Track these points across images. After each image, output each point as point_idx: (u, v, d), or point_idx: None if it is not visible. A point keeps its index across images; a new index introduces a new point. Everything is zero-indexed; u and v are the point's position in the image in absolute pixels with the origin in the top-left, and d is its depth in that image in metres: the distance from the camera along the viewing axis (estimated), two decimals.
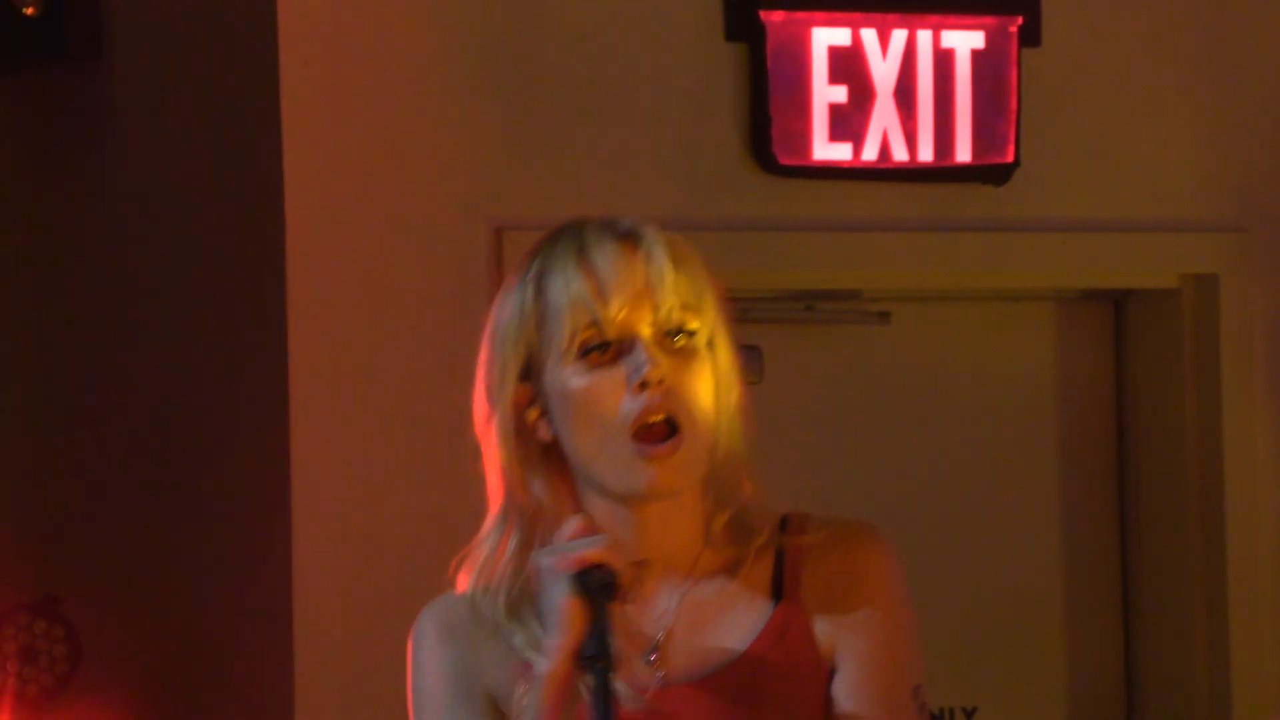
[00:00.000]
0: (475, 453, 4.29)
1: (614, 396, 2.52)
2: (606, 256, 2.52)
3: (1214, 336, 4.84)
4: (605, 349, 2.50)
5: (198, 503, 4.41)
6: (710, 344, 2.55)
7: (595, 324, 2.51)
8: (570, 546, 2.45)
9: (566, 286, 2.51)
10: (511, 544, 2.59)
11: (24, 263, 4.76)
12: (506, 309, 2.58)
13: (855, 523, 2.62)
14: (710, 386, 2.56)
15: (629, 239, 2.52)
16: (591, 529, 2.47)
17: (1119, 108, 4.77)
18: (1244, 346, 4.85)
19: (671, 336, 2.51)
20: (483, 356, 2.61)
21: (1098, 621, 5.00)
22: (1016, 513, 4.91)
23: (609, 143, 4.42)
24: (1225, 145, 4.86)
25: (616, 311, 2.50)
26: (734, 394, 2.59)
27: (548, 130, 4.43)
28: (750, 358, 2.85)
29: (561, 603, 2.42)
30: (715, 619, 2.60)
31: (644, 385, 2.48)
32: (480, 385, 2.61)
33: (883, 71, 4.48)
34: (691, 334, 2.51)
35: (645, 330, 2.50)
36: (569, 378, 2.51)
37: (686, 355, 2.52)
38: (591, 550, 2.43)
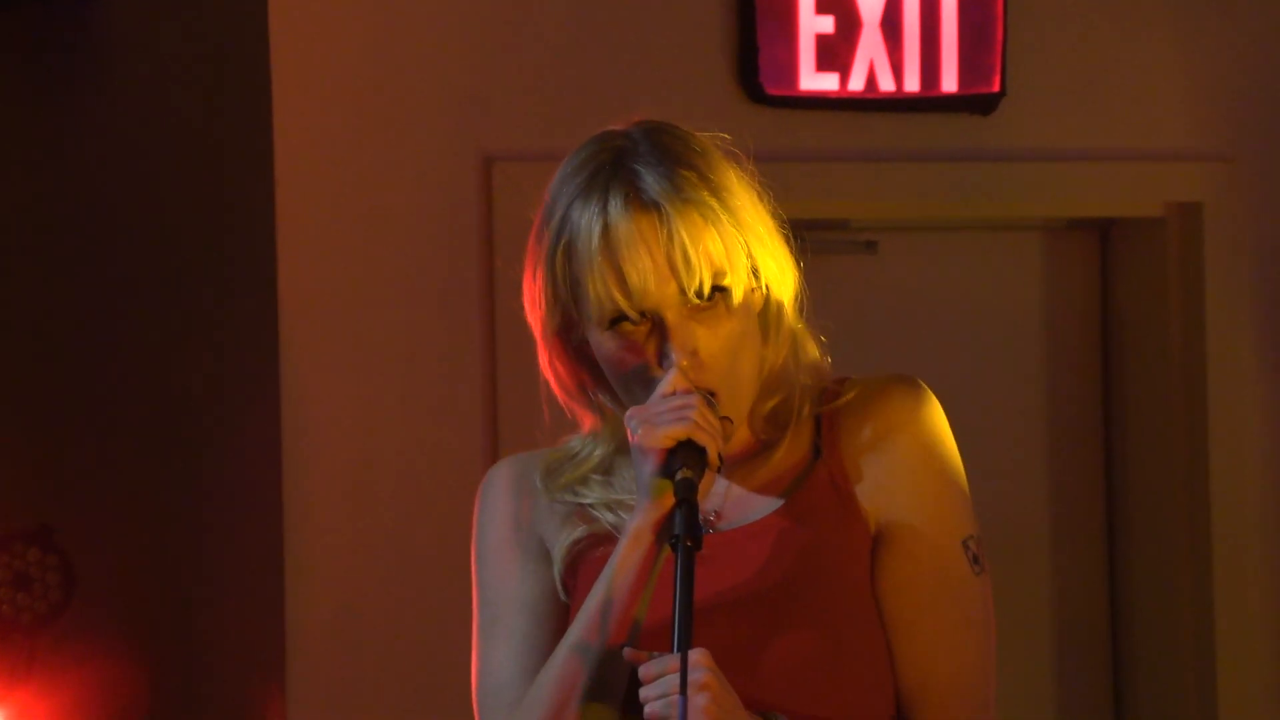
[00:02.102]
0: (466, 382, 4.38)
1: (648, 368, 2.51)
2: (629, 239, 2.48)
3: (1199, 265, 4.81)
4: (635, 321, 2.49)
5: (193, 435, 4.34)
6: (751, 272, 2.52)
7: (620, 308, 2.49)
8: (660, 416, 2.43)
9: (590, 269, 2.48)
10: (601, 440, 2.61)
11: (13, 200, 4.71)
12: (545, 250, 2.56)
13: (888, 376, 2.58)
14: (744, 330, 2.53)
15: (651, 212, 2.47)
16: (687, 385, 2.45)
17: (1105, 37, 4.72)
18: (1229, 275, 4.82)
19: (703, 299, 2.48)
20: (527, 273, 2.59)
21: (1082, 543, 5.01)
22: (1003, 438, 4.89)
23: (596, 74, 4.38)
24: (1211, 74, 4.82)
25: (641, 298, 2.47)
26: (785, 299, 2.57)
27: (536, 62, 4.39)
28: None
29: (650, 478, 2.41)
30: (761, 481, 2.58)
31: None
32: (529, 306, 2.61)
33: (869, 2, 4.45)
34: (725, 289, 2.48)
35: (671, 312, 2.48)
36: (603, 341, 2.51)
37: (719, 313, 2.49)
38: (681, 427, 2.40)
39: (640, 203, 2.47)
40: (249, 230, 4.30)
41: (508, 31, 4.41)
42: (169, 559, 4.46)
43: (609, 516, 2.59)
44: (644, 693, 2.40)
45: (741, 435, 2.56)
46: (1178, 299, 4.86)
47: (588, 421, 2.65)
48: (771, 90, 4.40)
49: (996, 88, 4.51)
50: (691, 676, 2.37)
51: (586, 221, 2.50)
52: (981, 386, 4.89)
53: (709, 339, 2.50)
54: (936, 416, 2.59)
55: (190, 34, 4.43)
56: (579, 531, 2.60)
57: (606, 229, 2.48)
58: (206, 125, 4.38)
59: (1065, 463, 4.97)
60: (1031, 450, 4.95)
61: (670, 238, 2.48)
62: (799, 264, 2.60)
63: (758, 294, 2.56)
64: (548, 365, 2.63)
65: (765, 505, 2.58)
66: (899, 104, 4.49)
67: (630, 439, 2.49)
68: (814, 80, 4.43)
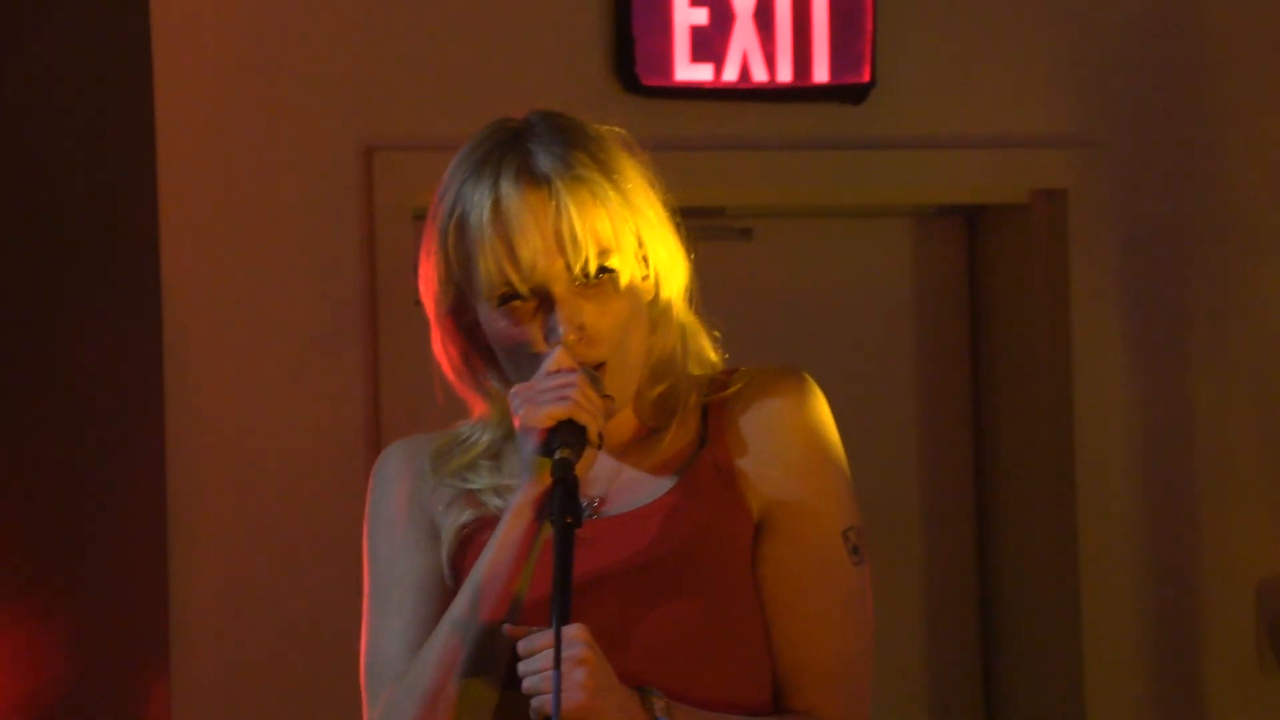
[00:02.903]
0: (348, 365, 4.37)
1: (535, 344, 2.51)
2: (518, 213, 2.49)
3: (1064, 251, 4.81)
4: (524, 297, 2.49)
5: (75, 423, 4.30)
6: (641, 258, 2.54)
7: (509, 283, 2.49)
8: (542, 394, 2.44)
9: (480, 243, 2.49)
10: (489, 425, 2.62)
11: None
12: (438, 231, 2.57)
13: (775, 368, 2.60)
14: (634, 310, 2.55)
15: (542, 186, 2.48)
16: (570, 364, 2.47)
17: (972, 28, 4.72)
18: (1094, 260, 4.82)
19: (591, 277, 2.49)
20: (421, 256, 2.60)
21: (952, 524, 5.00)
22: (874, 422, 4.90)
23: (476, 64, 4.36)
24: (1075, 63, 4.81)
25: (529, 273, 2.48)
26: (674, 289, 2.59)
27: (416, 52, 4.37)
28: None
29: (531, 456, 2.43)
30: (647, 466, 2.60)
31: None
32: (422, 287, 2.61)
33: None
34: (612, 270, 2.49)
35: (559, 286, 2.49)
36: (493, 320, 2.51)
37: (607, 293, 2.51)
38: (561, 407, 2.42)
39: (531, 178, 2.48)
40: (132, 217, 4.26)
41: (388, 22, 4.39)
42: (51, 547, 4.38)
43: (495, 501, 2.58)
44: (522, 667, 2.42)
45: (628, 421, 2.57)
46: (1043, 284, 4.86)
47: (477, 407, 2.64)
48: (647, 81, 4.40)
49: (867, 78, 4.51)
50: (568, 651, 2.39)
51: (478, 197, 2.50)
52: (853, 371, 4.89)
53: (597, 315, 2.50)
54: (821, 409, 2.61)
55: (73, 25, 4.37)
56: (466, 515, 2.60)
57: (497, 203, 2.49)
58: (89, 114, 4.34)
59: (935, 446, 4.98)
60: (902, 433, 4.97)
61: (559, 213, 2.48)
62: (689, 256, 2.61)
63: (647, 281, 2.56)
64: (440, 347, 2.62)
65: (652, 490, 2.59)
66: (772, 94, 4.48)
67: (513, 417, 2.50)
68: (689, 71, 4.43)
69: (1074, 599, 4.79)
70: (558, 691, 2.36)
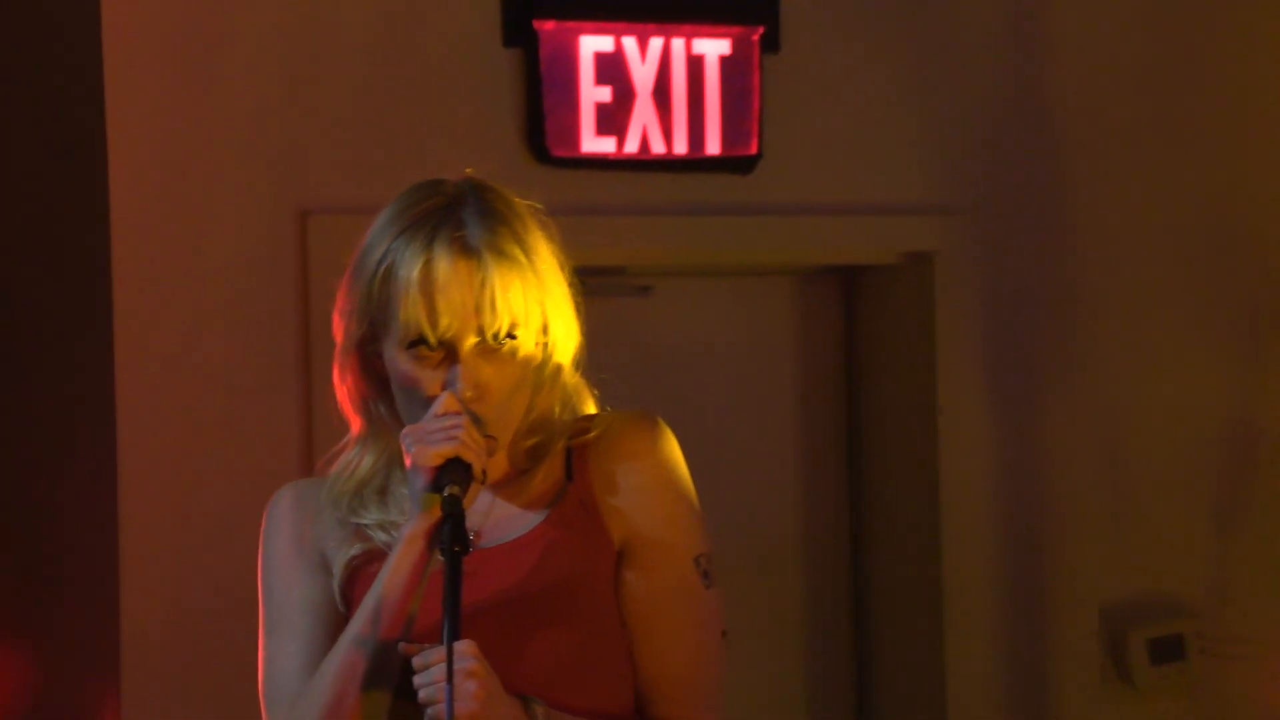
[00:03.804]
0: (284, 410, 4.32)
1: (431, 388, 2.55)
2: (446, 276, 2.53)
3: (930, 307, 4.86)
4: (433, 347, 2.54)
5: (32, 452, 4.37)
6: (541, 329, 2.60)
7: (423, 334, 2.53)
8: (432, 435, 2.49)
9: (406, 294, 2.53)
10: (370, 451, 2.64)
11: None
12: (360, 273, 2.60)
13: (631, 413, 2.66)
14: (524, 375, 2.59)
15: (472, 257, 2.53)
16: (457, 407, 2.51)
17: (849, 106, 4.81)
18: (957, 316, 4.89)
19: (496, 340, 2.54)
20: (341, 293, 2.63)
21: (830, 557, 5.02)
22: (760, 461, 4.93)
23: (402, 136, 4.41)
24: (942, 138, 4.91)
25: (444, 330, 2.52)
26: (564, 356, 2.64)
27: (349, 125, 4.42)
28: None
29: (421, 493, 2.47)
30: (519, 504, 2.64)
31: None
32: (336, 319, 2.65)
33: (642, 74, 4.50)
34: (515, 338, 2.54)
35: (467, 346, 2.54)
36: (399, 360, 2.55)
37: (505, 357, 2.56)
38: (449, 446, 2.46)
39: (464, 247, 2.53)
40: (87, 277, 4.30)
41: (323, 98, 4.43)
42: (4, 562, 4.30)
43: (382, 536, 2.62)
44: (417, 680, 2.47)
45: (501, 463, 2.62)
46: (912, 337, 4.90)
47: (356, 426, 2.69)
48: (556, 152, 4.44)
49: (754, 150, 4.58)
50: (460, 665, 2.45)
51: (412, 252, 2.54)
52: (742, 415, 4.88)
53: (493, 376, 2.56)
54: (671, 448, 2.68)
55: (29, 94, 4.41)
56: (356, 549, 2.64)
57: (429, 262, 2.53)
58: (45, 183, 4.39)
59: (814, 483, 5.02)
60: (785, 470, 4.98)
61: (483, 284, 2.54)
62: (581, 315, 2.68)
63: (542, 349, 2.63)
64: (340, 374, 2.67)
65: (524, 524, 2.64)
66: (669, 164, 4.54)
67: (405, 455, 2.54)
68: (594, 143, 4.48)
69: (938, 618, 4.86)
70: (450, 700, 2.42)
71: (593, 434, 2.64)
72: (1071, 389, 4.99)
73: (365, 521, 2.64)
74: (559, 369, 2.65)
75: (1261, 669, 5.11)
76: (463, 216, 2.56)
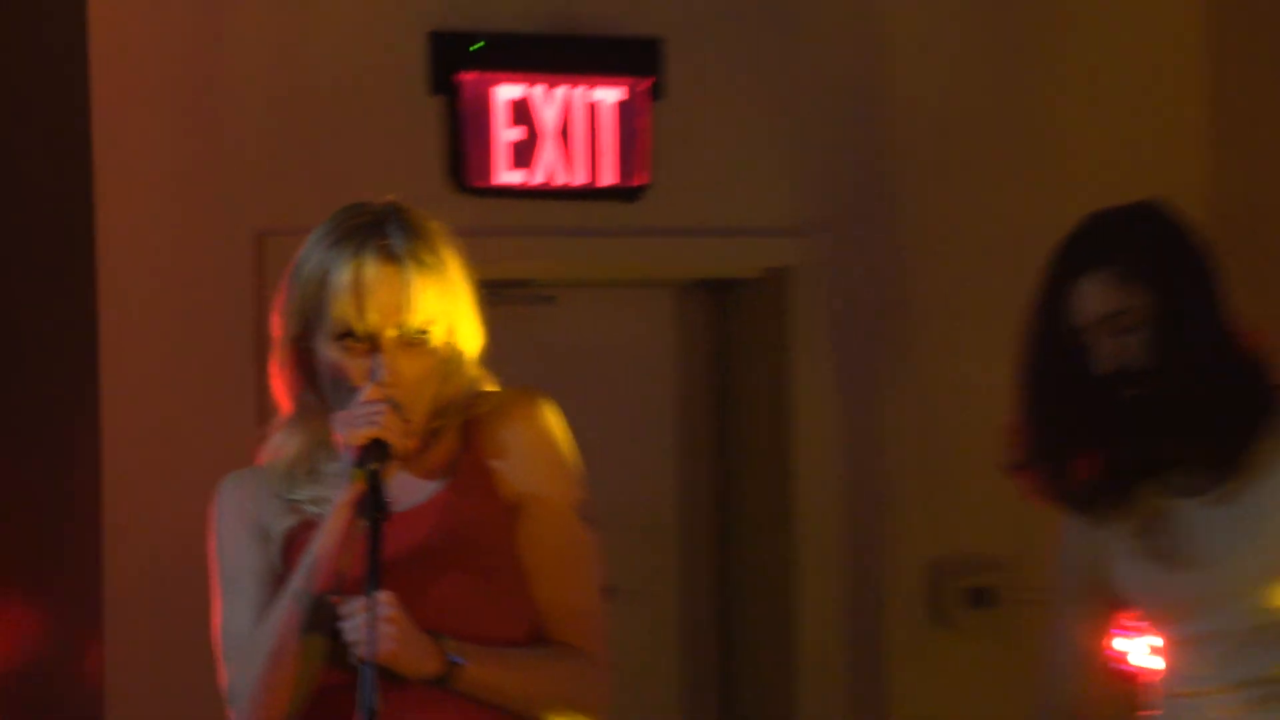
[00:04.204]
0: (241, 409, 4.25)
1: (357, 376, 2.60)
2: (373, 279, 2.59)
3: (788, 314, 4.95)
4: (359, 339, 2.59)
5: (20, 426, 4.34)
6: (449, 328, 2.64)
7: (352, 328, 2.59)
8: (358, 418, 2.55)
9: (337, 295, 2.59)
10: (298, 432, 2.69)
11: None
12: (297, 278, 2.64)
13: (517, 389, 2.74)
14: (435, 366, 2.64)
15: (394, 263, 2.59)
16: (380, 395, 2.57)
17: (721, 143, 4.89)
18: (809, 323, 4.98)
19: (412, 335, 2.59)
20: (280, 296, 2.67)
21: (701, 523, 5.10)
22: (643, 443, 5.02)
23: (346, 167, 4.48)
24: (798, 169, 4.98)
25: (369, 325, 2.58)
26: (470, 351, 2.68)
27: (301, 157, 4.48)
28: None
29: (348, 468, 2.53)
30: (423, 472, 2.68)
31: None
32: (275, 318, 2.67)
33: (548, 118, 4.61)
34: (427, 334, 2.60)
35: (388, 339, 2.59)
36: (329, 350, 2.62)
37: (420, 352, 2.61)
38: (372, 429, 2.53)
39: (388, 255, 2.57)
40: (78, 290, 4.35)
41: (281, 134, 4.47)
42: (5, 532, 4.30)
43: (314, 508, 2.65)
44: (345, 625, 2.55)
45: (413, 442, 2.63)
46: (773, 341, 5.00)
47: (285, 408, 2.69)
48: (474, 183, 4.56)
49: (643, 181, 4.70)
50: (380, 612, 2.49)
51: (343, 259, 2.58)
52: (628, 407, 4.99)
53: (408, 367, 2.59)
54: (550, 415, 2.70)
55: (20, 134, 4.38)
56: (292, 520, 2.68)
57: (358, 267, 2.57)
58: (39, 199, 4.40)
59: (690, 463, 5.10)
60: (666, 455, 5.08)
61: (403, 286, 2.58)
62: (487, 319, 2.69)
63: (449, 345, 2.64)
64: (276, 365, 2.68)
65: (428, 490, 2.68)
66: (570, 193, 4.65)
67: (335, 436, 2.57)
68: (507, 175, 4.59)
69: (792, 576, 4.98)
70: (372, 641, 2.48)
71: (484, 409, 2.69)
72: (903, 383, 5.09)
73: (299, 497, 2.68)
74: (463, 362, 2.69)
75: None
76: (387, 231, 2.60)
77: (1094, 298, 3.14)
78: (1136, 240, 3.19)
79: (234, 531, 2.71)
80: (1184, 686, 3.23)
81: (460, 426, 2.69)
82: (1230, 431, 3.15)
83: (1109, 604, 3.31)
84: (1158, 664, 3.30)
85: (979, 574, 5.08)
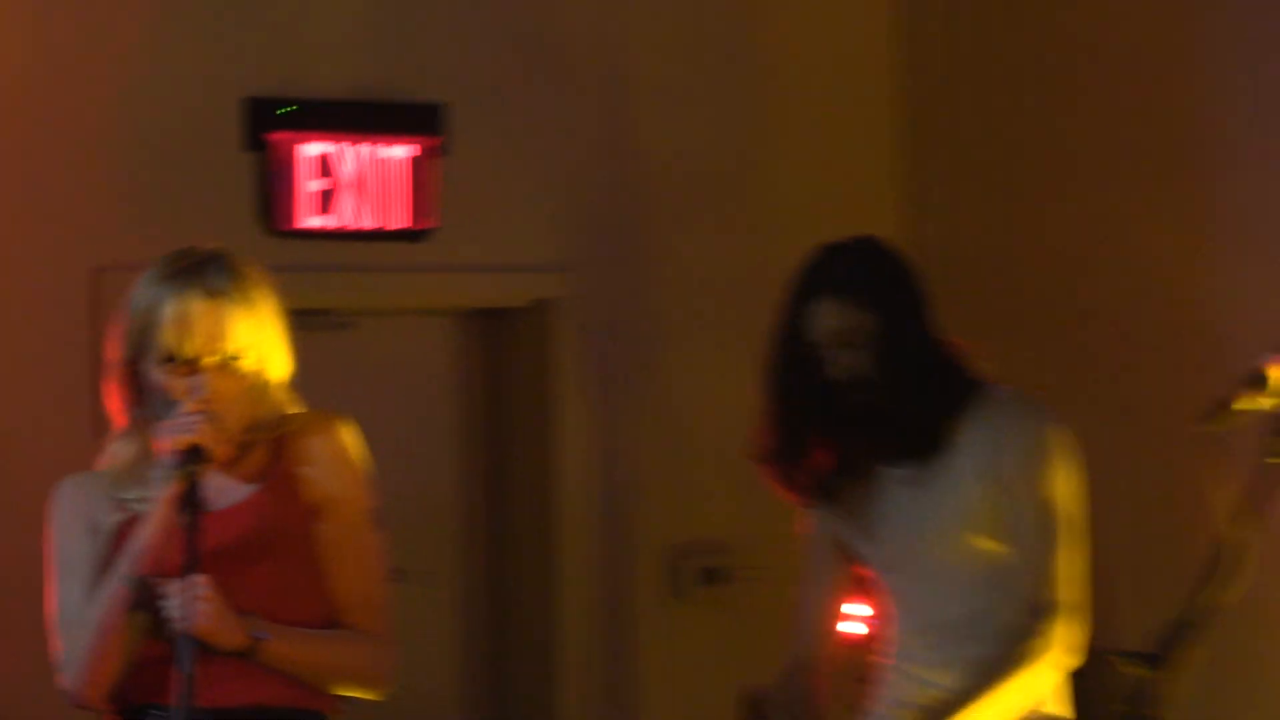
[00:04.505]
0: (79, 420, 3.97)
1: (180, 394, 2.60)
2: (195, 313, 2.58)
3: (550, 338, 4.97)
4: (182, 364, 2.60)
5: None
6: (259, 356, 2.63)
7: (174, 354, 2.60)
8: (179, 427, 2.56)
9: (164, 324, 2.60)
10: (129, 443, 2.69)
11: None
12: (131, 309, 2.62)
13: (320, 412, 2.75)
14: (247, 387, 2.62)
15: (212, 299, 2.59)
16: (198, 408, 2.57)
17: (496, 193, 4.89)
18: (569, 346, 4.99)
19: (227, 360, 2.60)
20: (115, 326, 2.64)
21: (477, 516, 5.05)
22: (429, 447, 4.98)
23: (172, 211, 4.43)
24: (559, 213, 4.98)
25: (190, 351, 2.60)
26: (277, 377, 2.66)
27: (132, 201, 4.43)
28: None
29: (169, 469, 2.56)
30: (237, 477, 2.68)
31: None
32: (110, 345, 2.65)
33: (347, 171, 4.62)
34: (239, 359, 2.61)
35: (206, 364, 2.59)
36: (157, 372, 2.63)
37: (233, 373, 2.61)
38: (190, 435, 2.55)
39: (207, 291, 2.59)
40: None
41: (116, 178, 4.41)
42: None
43: (139, 505, 2.63)
44: (166, 603, 2.55)
45: (229, 451, 2.62)
46: (539, 361, 5.00)
47: (119, 422, 2.65)
48: (282, 227, 4.57)
49: (428, 224, 4.72)
50: (196, 592, 2.50)
51: (170, 294, 2.58)
52: (415, 418, 4.94)
53: (224, 387, 2.59)
54: (347, 434, 2.70)
55: None
56: (119, 516, 2.65)
57: (183, 303, 2.58)
58: None
59: (468, 464, 5.05)
60: (447, 456, 5.03)
61: (220, 320, 2.59)
62: (296, 346, 2.66)
63: (259, 370, 2.63)
64: (112, 385, 2.64)
65: (242, 493, 2.67)
66: (365, 235, 4.67)
67: (159, 443, 2.56)
68: (310, 220, 4.60)
69: (552, 560, 4.99)
70: (188, 617, 2.47)
71: (293, 427, 2.70)
72: (648, 395, 5.09)
73: (128, 496, 2.66)
74: (271, 385, 2.66)
75: (771, 588, 4.59)
76: (208, 272, 2.59)
77: (827, 317, 3.19)
78: (861, 269, 3.23)
79: (69, 524, 2.68)
80: (889, 649, 3.29)
81: (272, 441, 2.68)
82: (930, 424, 3.20)
83: (847, 575, 3.37)
84: (875, 631, 3.39)
85: (710, 556, 5.10)
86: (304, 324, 2.77)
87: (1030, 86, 5.09)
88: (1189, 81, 4.74)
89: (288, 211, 4.60)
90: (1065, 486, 3.21)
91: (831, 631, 3.41)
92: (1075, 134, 4.96)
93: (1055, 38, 5.05)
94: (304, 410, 2.72)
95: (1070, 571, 3.16)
